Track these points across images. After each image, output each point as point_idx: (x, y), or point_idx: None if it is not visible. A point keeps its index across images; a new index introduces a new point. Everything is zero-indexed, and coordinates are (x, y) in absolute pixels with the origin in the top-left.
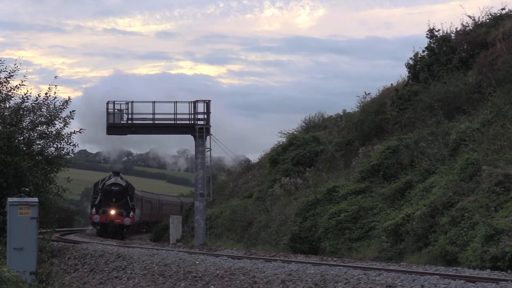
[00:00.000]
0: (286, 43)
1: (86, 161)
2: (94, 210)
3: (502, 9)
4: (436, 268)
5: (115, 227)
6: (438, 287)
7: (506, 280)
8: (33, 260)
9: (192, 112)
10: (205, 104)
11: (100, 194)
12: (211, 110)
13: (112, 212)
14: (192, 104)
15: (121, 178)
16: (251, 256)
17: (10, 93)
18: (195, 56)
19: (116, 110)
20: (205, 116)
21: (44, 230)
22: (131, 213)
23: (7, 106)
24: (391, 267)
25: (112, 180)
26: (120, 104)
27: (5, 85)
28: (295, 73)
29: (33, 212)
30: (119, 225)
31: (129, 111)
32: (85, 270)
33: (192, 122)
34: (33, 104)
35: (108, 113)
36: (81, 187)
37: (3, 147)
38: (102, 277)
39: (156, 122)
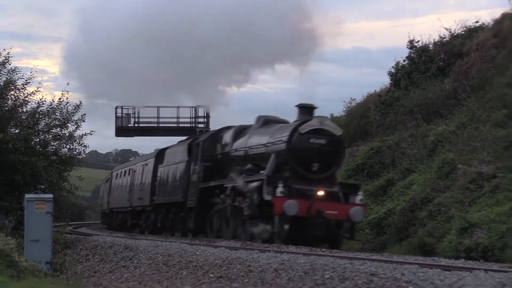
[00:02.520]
0: None
1: (97, 160)
2: (280, 188)
3: (476, 22)
4: (415, 258)
5: (326, 225)
6: (416, 275)
7: (479, 269)
8: (48, 251)
9: (193, 116)
10: (205, 109)
11: (285, 155)
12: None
13: (320, 193)
14: (193, 109)
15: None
16: (247, 247)
17: (26, 99)
18: None
19: (124, 114)
20: (205, 119)
21: (58, 224)
22: (358, 195)
23: (24, 111)
24: (374, 257)
25: (315, 123)
26: (128, 108)
27: (22, 91)
28: (287, 80)
29: (48, 207)
30: (337, 222)
31: (136, 115)
32: (96, 260)
33: (193, 125)
34: (48, 109)
35: (116, 117)
36: (92, 184)
37: (21, 148)
38: (111, 266)
39: (160, 125)
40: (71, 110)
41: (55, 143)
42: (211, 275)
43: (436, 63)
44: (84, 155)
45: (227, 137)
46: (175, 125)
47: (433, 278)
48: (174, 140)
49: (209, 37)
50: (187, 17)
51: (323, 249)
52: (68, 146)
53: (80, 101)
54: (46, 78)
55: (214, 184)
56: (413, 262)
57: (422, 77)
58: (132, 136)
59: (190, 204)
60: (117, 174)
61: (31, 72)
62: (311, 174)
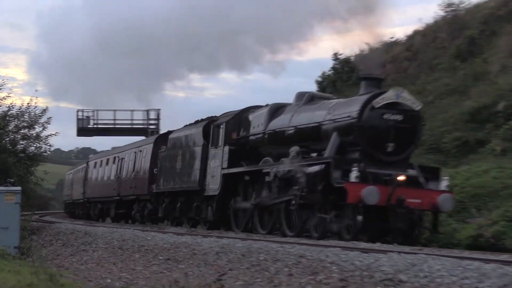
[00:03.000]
0: None
1: (60, 157)
2: (355, 172)
3: (391, 37)
4: (337, 242)
5: (407, 217)
6: (339, 256)
7: (393, 251)
8: (16, 237)
9: (146, 118)
10: (156, 112)
11: (354, 133)
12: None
13: (400, 178)
14: (146, 112)
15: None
16: (192, 233)
17: None
18: None
19: (84, 117)
20: (156, 121)
21: (26, 213)
22: (444, 181)
23: None
24: (302, 241)
25: (391, 96)
26: (88, 111)
27: None
28: (228, 88)
29: (16, 198)
30: (419, 214)
31: (95, 117)
32: (59, 245)
33: (146, 126)
34: (17, 112)
35: (78, 119)
36: (56, 178)
37: None
38: (72, 250)
39: (116, 126)
40: (38, 113)
41: (24, 142)
42: (160, 257)
43: (356, 73)
44: (49, 153)
45: (259, 117)
46: (130, 126)
47: (353, 259)
48: (129, 139)
49: (156, 44)
50: (136, 22)
51: (259, 235)
52: (35, 145)
53: (46, 106)
54: (15, 85)
55: (245, 170)
56: (336, 245)
57: (345, 85)
58: (92, 135)
59: (210, 192)
60: (95, 163)
61: (2, 80)
62: (385, 156)
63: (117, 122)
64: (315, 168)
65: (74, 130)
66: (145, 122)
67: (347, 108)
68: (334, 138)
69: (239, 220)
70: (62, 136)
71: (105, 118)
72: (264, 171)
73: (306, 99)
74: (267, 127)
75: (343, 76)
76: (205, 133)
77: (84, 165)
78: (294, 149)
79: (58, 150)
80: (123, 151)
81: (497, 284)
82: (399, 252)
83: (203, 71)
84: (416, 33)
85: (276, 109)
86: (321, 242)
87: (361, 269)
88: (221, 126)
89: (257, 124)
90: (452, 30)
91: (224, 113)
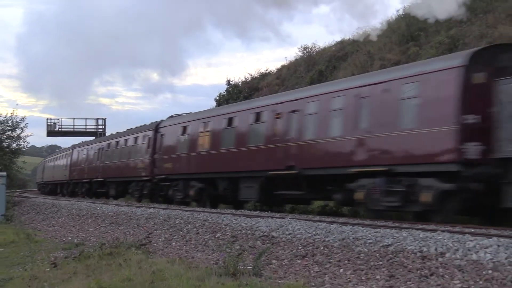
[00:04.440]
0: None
1: (34, 151)
2: None
3: (266, 69)
4: (230, 211)
5: None
6: (231, 220)
7: (267, 217)
8: (2, 208)
9: (96, 124)
10: (103, 120)
11: None
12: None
13: None
14: (96, 120)
15: None
16: (129, 204)
17: None
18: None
19: (52, 123)
20: (103, 126)
21: (10, 190)
22: None
23: None
24: (206, 210)
25: None
26: (54, 119)
27: None
28: (153, 103)
29: (2, 181)
30: None
31: (60, 123)
32: (34, 213)
33: (95, 129)
34: (3, 119)
35: (47, 124)
36: (32, 166)
37: None
38: (44, 217)
39: (75, 129)
40: (19, 120)
41: (8, 140)
42: (106, 221)
43: (242, 94)
44: (26, 148)
45: None
46: (84, 129)
47: (241, 222)
48: (84, 139)
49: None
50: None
51: (175, 206)
52: (16, 143)
53: (24, 116)
54: (1, 100)
55: None
56: (229, 213)
57: (235, 102)
58: (57, 136)
59: None
60: (184, 127)
61: None
62: None
63: (75, 126)
64: None
65: (44, 132)
66: (95, 127)
67: None
68: None
69: None
70: (35, 136)
71: (66, 124)
72: None
73: None
74: None
75: (234, 96)
76: None
77: (149, 133)
78: None
79: (32, 146)
80: (256, 108)
81: (338, 238)
82: (272, 217)
83: (136, 91)
84: (283, 67)
85: None
86: (219, 211)
87: (246, 228)
88: None
89: None
90: (307, 65)
91: None
